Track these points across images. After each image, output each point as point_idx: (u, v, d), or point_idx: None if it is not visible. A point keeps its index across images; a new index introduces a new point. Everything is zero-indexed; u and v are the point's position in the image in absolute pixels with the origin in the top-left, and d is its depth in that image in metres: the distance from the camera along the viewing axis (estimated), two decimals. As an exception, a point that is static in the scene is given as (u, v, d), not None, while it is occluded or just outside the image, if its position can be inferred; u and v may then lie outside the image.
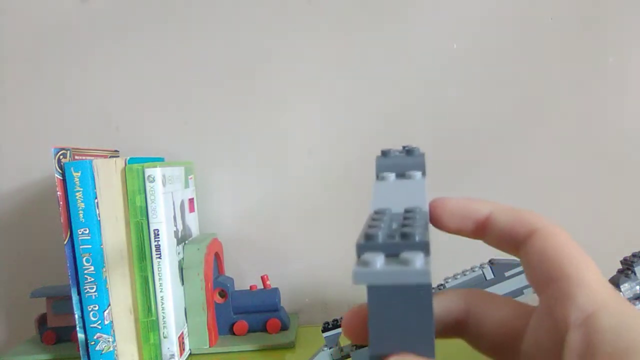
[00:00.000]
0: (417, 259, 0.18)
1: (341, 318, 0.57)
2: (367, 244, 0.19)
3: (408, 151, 0.27)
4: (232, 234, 0.86)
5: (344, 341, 0.57)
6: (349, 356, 0.55)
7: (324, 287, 0.86)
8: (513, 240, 0.22)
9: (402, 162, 0.26)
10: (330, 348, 0.56)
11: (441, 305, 0.23)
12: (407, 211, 0.22)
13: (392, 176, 0.25)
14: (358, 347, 0.54)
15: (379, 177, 0.26)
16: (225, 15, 0.85)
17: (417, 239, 0.19)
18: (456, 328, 0.23)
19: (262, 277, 0.78)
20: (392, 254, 0.19)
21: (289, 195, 0.86)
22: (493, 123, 0.83)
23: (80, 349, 0.66)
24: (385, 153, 0.27)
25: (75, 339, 0.67)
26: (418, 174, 0.25)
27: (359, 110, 0.84)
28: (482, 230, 0.23)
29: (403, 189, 0.24)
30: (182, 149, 0.86)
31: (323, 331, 0.56)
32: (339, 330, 0.56)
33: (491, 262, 0.55)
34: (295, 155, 0.85)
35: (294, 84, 0.85)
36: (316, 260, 0.86)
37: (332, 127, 0.85)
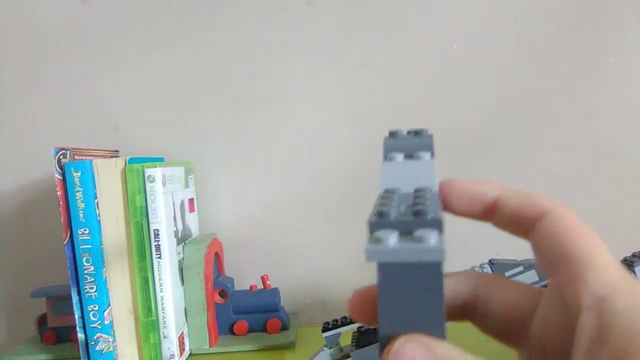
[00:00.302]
0: (432, 237, 0.18)
1: (342, 318, 0.57)
2: (379, 221, 0.19)
3: (416, 132, 0.27)
4: (232, 234, 0.86)
5: (344, 341, 0.57)
6: (349, 356, 0.55)
7: (324, 287, 0.86)
8: (522, 223, 0.21)
9: (410, 142, 0.26)
10: (330, 348, 0.56)
11: (449, 288, 0.22)
12: (417, 191, 0.22)
13: (400, 157, 0.25)
14: (358, 347, 0.54)
15: (387, 158, 0.25)
16: (225, 16, 0.85)
17: (430, 216, 0.19)
18: (464, 311, 0.23)
19: (262, 277, 0.78)
20: (405, 232, 0.19)
21: (289, 195, 0.86)
22: (492, 123, 0.83)
23: (80, 349, 0.66)
24: (393, 134, 0.27)
25: (75, 339, 0.67)
26: (427, 154, 0.25)
27: (359, 110, 0.84)
28: (490, 213, 0.23)
29: (412, 170, 0.24)
30: (182, 149, 0.86)
31: (323, 331, 0.56)
32: (339, 330, 0.56)
33: (491, 262, 0.55)
34: (295, 155, 0.85)
35: (294, 83, 0.85)
36: (316, 260, 0.86)
37: (332, 127, 0.85)
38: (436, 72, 0.83)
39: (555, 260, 0.20)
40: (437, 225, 0.18)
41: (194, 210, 0.81)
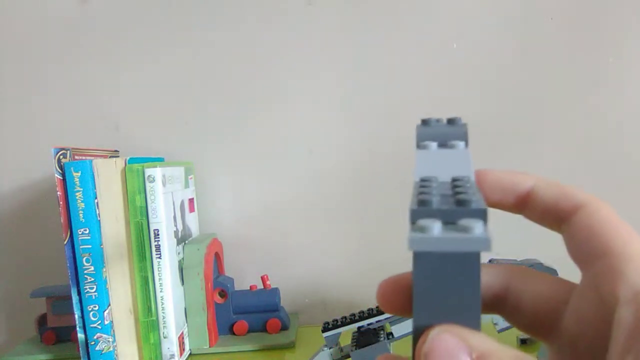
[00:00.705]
0: (477, 227, 0.17)
1: (342, 318, 0.57)
2: (421, 209, 0.18)
3: (450, 120, 0.26)
4: (232, 234, 0.86)
5: (344, 341, 0.57)
6: (349, 356, 0.55)
7: (324, 287, 0.86)
8: (557, 215, 0.21)
9: (444, 131, 0.25)
10: (330, 348, 0.56)
11: (481, 281, 0.22)
12: (455, 180, 0.21)
13: (434, 145, 0.24)
14: (358, 347, 0.54)
15: (419, 146, 0.24)
16: (225, 16, 0.85)
17: (474, 205, 0.18)
18: (494, 304, 0.22)
19: (262, 277, 0.78)
20: (449, 221, 0.18)
21: (289, 195, 0.86)
22: (492, 123, 0.83)
23: (80, 349, 0.66)
24: (425, 122, 0.26)
25: (75, 339, 0.67)
26: (461, 143, 0.24)
27: (359, 110, 0.84)
28: (523, 204, 0.22)
29: (447, 158, 0.23)
30: (182, 149, 0.86)
31: (323, 331, 0.56)
32: (339, 330, 0.56)
33: (491, 262, 0.55)
34: (295, 155, 0.85)
35: (294, 83, 0.85)
36: (316, 260, 0.86)
37: (332, 127, 0.85)
38: (436, 72, 0.83)
39: (591, 254, 0.19)
40: (482, 214, 0.18)
41: (194, 210, 0.81)
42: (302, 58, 0.85)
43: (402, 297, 0.21)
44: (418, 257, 0.18)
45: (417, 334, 0.18)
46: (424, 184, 0.21)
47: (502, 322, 0.55)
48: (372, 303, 0.56)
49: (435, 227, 0.18)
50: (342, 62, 0.84)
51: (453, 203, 0.19)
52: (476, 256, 0.18)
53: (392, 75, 0.84)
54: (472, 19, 0.83)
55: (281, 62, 0.85)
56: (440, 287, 0.18)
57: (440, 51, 0.83)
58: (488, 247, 0.17)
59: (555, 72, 0.82)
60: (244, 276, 0.84)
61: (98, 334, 0.66)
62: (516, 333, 0.64)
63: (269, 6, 0.84)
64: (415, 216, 0.18)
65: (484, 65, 0.83)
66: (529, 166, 0.83)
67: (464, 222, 0.18)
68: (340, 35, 0.84)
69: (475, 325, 0.18)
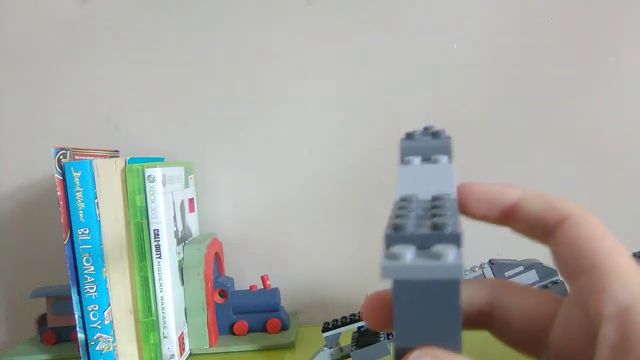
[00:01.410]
0: (450, 253, 0.17)
1: (342, 318, 0.57)
2: (395, 234, 0.18)
3: (434, 134, 0.26)
4: (232, 234, 0.86)
5: (344, 341, 0.57)
6: (349, 356, 0.55)
7: (324, 287, 0.86)
8: (543, 228, 0.21)
9: (427, 145, 0.25)
10: (330, 348, 0.56)
11: (464, 297, 0.22)
12: (435, 198, 0.21)
13: (417, 160, 0.24)
14: (358, 347, 0.54)
15: (403, 161, 0.24)
16: (225, 16, 0.85)
17: (449, 230, 0.18)
18: (480, 320, 0.22)
19: (262, 277, 0.78)
20: (423, 247, 0.18)
21: (289, 195, 0.86)
22: (492, 123, 0.83)
23: (80, 349, 0.66)
24: (410, 135, 0.26)
25: (75, 339, 0.67)
26: (444, 158, 0.24)
27: (359, 110, 0.84)
28: (509, 217, 0.22)
29: (429, 174, 0.23)
30: (182, 149, 0.86)
31: (323, 331, 0.56)
32: (339, 330, 0.56)
33: (491, 262, 0.55)
34: (295, 155, 0.85)
35: (294, 83, 0.85)
36: (316, 260, 0.86)
37: (332, 127, 0.85)
38: (436, 72, 0.83)
39: (576, 268, 0.19)
40: (456, 240, 0.18)
41: (194, 210, 0.81)
42: (302, 58, 0.85)
43: (386, 312, 0.20)
44: (396, 283, 0.18)
45: (398, 356, 0.18)
46: (402, 204, 0.21)
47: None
48: (372, 303, 0.56)
49: (409, 254, 0.17)
50: (342, 62, 0.84)
51: (429, 227, 0.19)
52: (454, 282, 0.18)
53: (392, 75, 0.84)
54: (472, 19, 0.83)
55: (281, 62, 0.85)
56: (419, 310, 0.18)
57: (440, 51, 0.83)
58: (460, 274, 0.17)
59: (555, 72, 0.82)
60: (244, 276, 0.84)
61: (98, 334, 0.66)
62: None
63: (269, 6, 0.84)
64: (389, 241, 0.18)
65: (484, 66, 0.83)
66: (529, 166, 0.83)
67: (438, 248, 0.18)
68: (340, 35, 0.84)
69: (455, 347, 0.18)
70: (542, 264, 0.55)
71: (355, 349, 0.54)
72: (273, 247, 0.86)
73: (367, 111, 0.84)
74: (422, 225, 0.19)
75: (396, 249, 0.18)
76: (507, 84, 0.83)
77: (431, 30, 0.83)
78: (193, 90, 0.86)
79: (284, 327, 0.76)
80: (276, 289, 0.77)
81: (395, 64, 0.84)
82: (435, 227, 0.18)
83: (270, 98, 0.85)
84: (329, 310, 0.85)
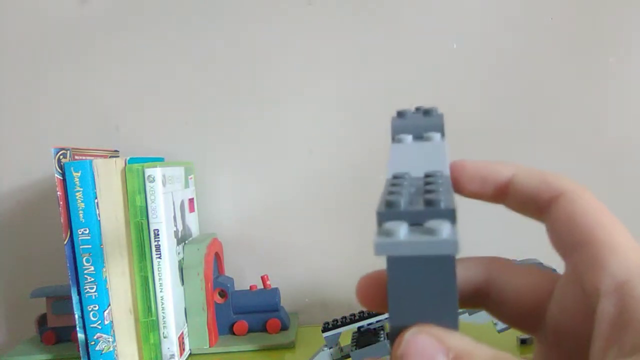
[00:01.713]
0: (444, 228, 0.17)
1: (342, 318, 0.57)
2: (388, 212, 0.18)
3: (425, 111, 0.25)
4: (232, 234, 0.86)
5: (344, 341, 0.57)
6: (349, 356, 0.55)
7: (324, 287, 0.86)
8: (537, 204, 0.20)
9: (419, 123, 0.25)
10: (330, 348, 0.56)
11: (460, 275, 0.21)
12: (427, 175, 0.21)
13: (409, 138, 0.24)
14: (358, 347, 0.54)
15: (394, 140, 0.24)
16: (225, 16, 0.85)
17: (442, 205, 0.18)
18: (476, 298, 0.22)
19: (262, 277, 0.78)
20: (416, 223, 0.18)
21: (289, 195, 0.86)
22: (492, 123, 0.83)
23: (80, 349, 0.66)
24: (401, 114, 0.25)
25: (75, 339, 0.67)
26: (437, 135, 0.24)
27: (359, 110, 0.84)
28: (503, 194, 0.22)
29: (422, 152, 0.23)
30: (182, 149, 0.86)
31: (323, 331, 0.56)
32: (339, 330, 0.56)
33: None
34: (295, 155, 0.85)
35: (294, 83, 0.85)
36: (316, 260, 0.86)
37: (332, 127, 0.85)
38: (436, 72, 0.83)
39: (572, 243, 0.19)
40: (450, 215, 0.18)
41: (194, 210, 0.81)
42: (302, 58, 0.85)
43: (379, 294, 0.20)
44: (390, 261, 0.18)
45: (394, 335, 0.18)
46: (394, 181, 0.20)
47: (501, 323, 0.55)
48: (372, 303, 0.56)
49: (402, 231, 0.17)
50: (342, 62, 0.84)
51: (422, 203, 0.18)
52: (449, 258, 0.17)
53: (392, 75, 0.84)
54: (472, 19, 0.83)
55: (281, 62, 0.85)
56: (414, 289, 0.18)
57: (440, 51, 0.83)
58: (455, 249, 0.17)
59: (555, 72, 0.82)
60: (244, 276, 0.84)
61: (98, 334, 0.66)
62: (516, 333, 0.64)
63: (269, 6, 0.84)
64: (382, 218, 0.18)
65: (484, 65, 0.83)
66: (528, 166, 0.83)
67: (431, 223, 0.17)
68: (340, 35, 0.84)
69: (452, 325, 0.18)
70: (542, 263, 0.55)
71: (355, 349, 0.54)
72: (273, 247, 0.86)
73: (367, 111, 0.84)
74: (416, 202, 0.19)
75: (389, 225, 0.17)
76: (507, 84, 0.83)
77: (431, 30, 0.83)
78: (193, 90, 0.86)
79: (284, 327, 0.76)
80: (276, 289, 0.77)
81: (395, 64, 0.84)
82: (429, 203, 0.18)
83: (270, 98, 0.85)
84: (329, 310, 0.85)
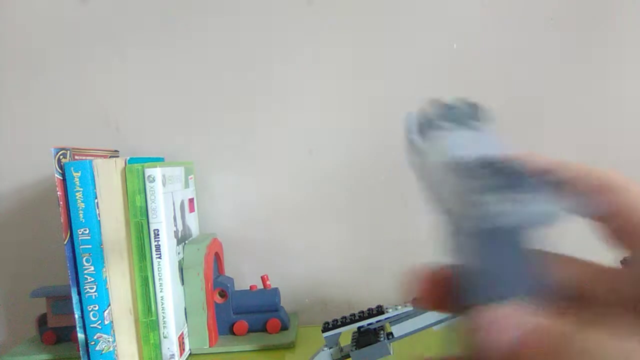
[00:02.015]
0: (542, 200, 0.17)
1: (342, 318, 0.57)
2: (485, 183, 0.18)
3: (467, 103, 0.25)
4: (232, 234, 0.86)
5: (344, 341, 0.57)
6: (349, 356, 0.55)
7: (324, 287, 0.86)
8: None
9: (462, 112, 0.25)
10: (330, 348, 0.56)
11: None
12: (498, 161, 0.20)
13: (459, 128, 0.24)
14: (358, 347, 0.54)
15: (437, 127, 0.24)
16: (225, 16, 0.85)
17: (534, 180, 0.18)
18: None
19: (262, 277, 0.78)
20: (513, 198, 0.18)
21: (289, 195, 0.86)
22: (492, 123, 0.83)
23: (80, 349, 0.66)
24: (438, 105, 0.25)
25: (75, 339, 0.67)
26: (485, 126, 0.24)
27: (359, 110, 0.84)
28: None
29: (478, 141, 0.23)
30: (182, 149, 0.86)
31: (323, 331, 0.56)
32: (339, 330, 0.56)
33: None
34: (295, 155, 0.85)
35: (294, 83, 0.85)
36: (316, 260, 0.86)
37: (332, 127, 0.85)
38: (436, 72, 0.83)
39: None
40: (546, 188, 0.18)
41: (194, 210, 0.81)
42: (302, 58, 0.85)
43: (441, 292, 0.20)
44: (480, 233, 0.17)
45: (475, 314, 0.18)
46: (477, 162, 0.20)
47: None
48: (372, 303, 0.56)
49: (498, 201, 0.17)
50: (342, 62, 0.84)
51: (509, 178, 0.18)
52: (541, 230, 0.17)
53: (392, 75, 0.84)
54: (472, 19, 0.83)
55: (281, 62, 0.85)
56: (500, 265, 0.17)
57: (440, 51, 0.83)
58: (555, 219, 0.17)
59: (555, 72, 0.82)
60: (244, 276, 0.84)
61: (98, 334, 0.66)
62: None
63: (269, 6, 0.84)
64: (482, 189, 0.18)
65: (484, 66, 0.83)
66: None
67: (529, 196, 0.17)
68: (340, 35, 0.84)
69: (528, 300, 0.17)
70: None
71: (355, 349, 0.54)
72: (273, 247, 0.86)
73: (367, 111, 0.84)
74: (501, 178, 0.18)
75: (487, 197, 0.17)
76: (507, 84, 0.83)
77: (431, 30, 0.83)
78: (193, 90, 0.86)
79: (284, 327, 0.76)
80: (276, 289, 0.77)
81: (395, 63, 0.84)
82: (519, 177, 0.18)
83: (270, 98, 0.85)
84: (329, 310, 0.85)
